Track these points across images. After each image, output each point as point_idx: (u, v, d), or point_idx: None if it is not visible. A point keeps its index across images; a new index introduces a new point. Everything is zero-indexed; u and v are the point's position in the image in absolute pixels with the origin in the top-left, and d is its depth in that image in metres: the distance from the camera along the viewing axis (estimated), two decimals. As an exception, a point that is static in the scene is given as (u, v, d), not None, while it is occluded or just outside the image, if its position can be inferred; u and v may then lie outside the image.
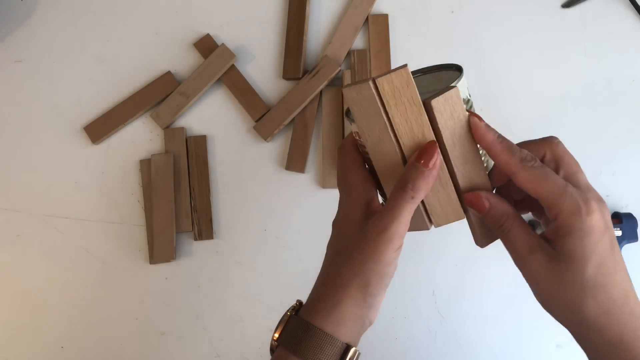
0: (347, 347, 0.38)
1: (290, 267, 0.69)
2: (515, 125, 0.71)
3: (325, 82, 0.68)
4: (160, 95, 0.69)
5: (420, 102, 0.38)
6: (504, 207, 0.40)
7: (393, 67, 0.70)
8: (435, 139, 0.39)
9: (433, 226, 0.43)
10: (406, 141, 0.39)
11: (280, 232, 0.69)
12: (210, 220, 0.68)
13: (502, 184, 0.42)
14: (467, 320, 0.69)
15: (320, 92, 0.69)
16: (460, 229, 0.70)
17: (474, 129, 0.39)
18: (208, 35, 0.70)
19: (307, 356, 0.37)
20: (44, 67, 0.70)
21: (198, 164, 0.69)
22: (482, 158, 0.41)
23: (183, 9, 0.71)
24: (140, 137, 0.69)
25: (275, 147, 0.70)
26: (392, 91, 0.38)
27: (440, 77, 0.44)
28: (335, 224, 0.43)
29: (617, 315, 0.37)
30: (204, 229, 0.68)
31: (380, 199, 0.44)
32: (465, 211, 0.42)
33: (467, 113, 0.39)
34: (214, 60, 0.69)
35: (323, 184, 0.69)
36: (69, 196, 0.68)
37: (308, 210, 0.69)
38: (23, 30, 0.70)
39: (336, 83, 0.70)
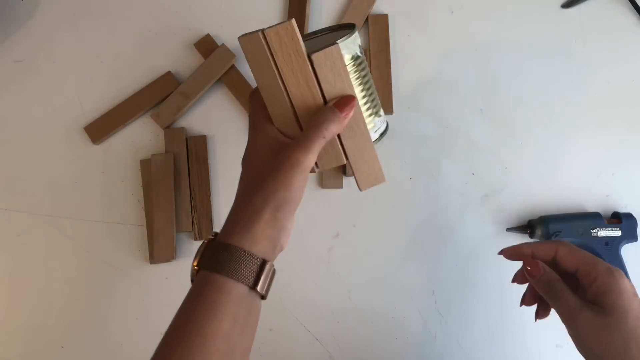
0: (264, 262, 0.42)
1: (290, 266, 0.69)
2: (515, 125, 0.71)
3: (325, 82, 0.68)
4: (161, 96, 0.69)
5: (305, 54, 0.43)
6: (554, 273, 0.50)
7: (393, 67, 0.70)
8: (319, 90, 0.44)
9: (319, 170, 0.49)
10: (293, 89, 0.44)
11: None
12: (211, 220, 0.68)
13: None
14: (467, 320, 0.69)
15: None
16: (461, 230, 0.70)
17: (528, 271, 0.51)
18: (208, 35, 0.70)
19: (229, 271, 0.40)
20: (44, 67, 0.70)
21: (198, 164, 0.69)
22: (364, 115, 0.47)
23: (183, 9, 0.71)
24: (140, 137, 0.70)
25: (275, 147, 0.70)
26: (279, 43, 0.42)
27: (338, 35, 0.47)
28: (245, 159, 0.47)
29: None
30: (204, 228, 0.68)
31: None
32: (346, 158, 0.48)
33: (346, 69, 0.44)
34: (214, 60, 0.69)
35: (322, 184, 0.69)
36: (69, 196, 0.68)
37: (307, 210, 0.69)
38: (23, 30, 0.70)
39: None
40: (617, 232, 0.65)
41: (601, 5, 0.73)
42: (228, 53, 0.69)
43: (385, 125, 0.51)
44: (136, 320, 0.67)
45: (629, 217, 0.67)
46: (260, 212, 0.42)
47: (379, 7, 0.72)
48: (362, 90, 0.47)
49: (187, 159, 0.69)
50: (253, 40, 0.42)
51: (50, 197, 0.68)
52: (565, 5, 0.73)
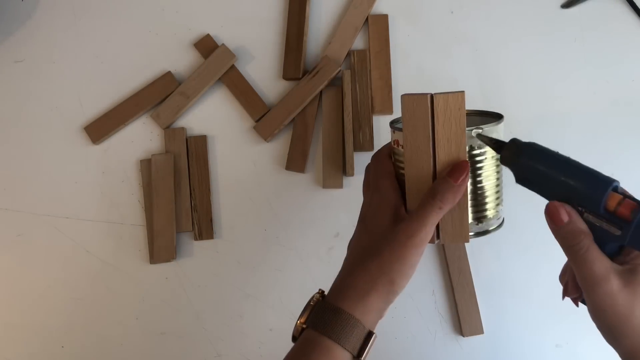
0: (370, 333, 0.42)
1: (290, 266, 0.69)
2: (515, 125, 0.71)
3: (325, 82, 0.68)
4: (161, 96, 0.69)
5: (465, 126, 0.44)
6: (582, 225, 0.41)
7: (393, 67, 0.70)
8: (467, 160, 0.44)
9: (438, 241, 0.47)
10: (442, 156, 0.44)
11: (280, 232, 0.69)
12: (211, 220, 0.68)
13: None
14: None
15: (320, 92, 0.69)
16: (460, 229, 0.70)
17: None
18: (208, 35, 0.70)
19: (337, 337, 0.40)
20: (44, 67, 0.70)
21: (198, 164, 0.69)
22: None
23: (183, 9, 0.71)
24: (140, 137, 0.70)
25: (275, 147, 0.70)
26: (445, 109, 0.43)
27: (482, 121, 0.49)
28: (364, 221, 0.47)
29: None
30: (204, 228, 0.68)
31: None
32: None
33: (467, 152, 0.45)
34: (214, 60, 0.69)
35: (323, 184, 0.69)
36: (69, 196, 0.68)
37: (308, 210, 0.69)
38: (23, 30, 0.70)
39: (336, 83, 0.70)
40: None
41: (601, 6, 0.73)
42: (228, 53, 0.69)
43: (503, 217, 0.51)
44: (136, 320, 0.67)
45: None
46: (375, 283, 0.42)
47: (379, 7, 0.72)
48: (497, 176, 0.48)
49: (187, 159, 0.69)
50: (420, 102, 0.44)
51: (50, 197, 0.68)
52: (565, 6, 0.73)
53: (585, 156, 0.71)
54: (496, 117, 0.50)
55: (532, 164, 0.44)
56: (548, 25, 0.73)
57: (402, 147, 0.45)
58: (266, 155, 0.70)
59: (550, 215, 0.42)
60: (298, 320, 0.43)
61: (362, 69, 0.70)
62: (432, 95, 0.43)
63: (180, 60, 0.70)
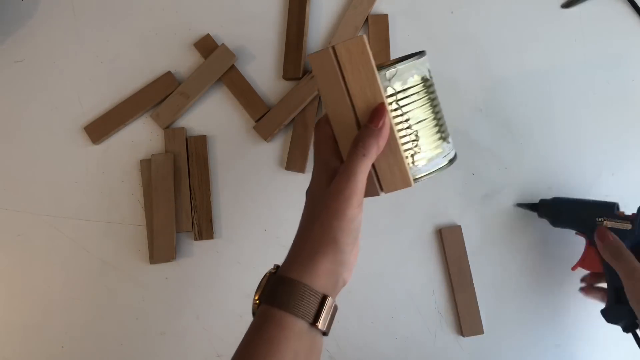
0: (324, 297, 0.41)
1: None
2: (515, 125, 0.71)
3: (325, 82, 0.68)
4: (161, 96, 0.69)
5: (374, 68, 0.42)
6: (619, 241, 0.59)
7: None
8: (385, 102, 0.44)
9: (383, 193, 0.46)
10: (360, 104, 0.43)
11: (280, 232, 0.69)
12: (210, 220, 0.68)
13: None
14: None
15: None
16: (461, 230, 0.70)
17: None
18: (208, 35, 0.70)
19: (290, 306, 0.40)
20: (44, 67, 0.70)
21: (198, 164, 0.69)
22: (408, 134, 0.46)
23: (183, 9, 0.71)
24: (140, 137, 0.70)
25: (275, 147, 0.70)
26: (349, 57, 0.42)
27: (407, 58, 0.48)
28: (308, 191, 0.47)
29: None
30: (204, 229, 0.68)
31: None
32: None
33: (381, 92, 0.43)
34: (214, 60, 0.69)
35: (323, 184, 0.69)
36: (69, 196, 0.68)
37: (308, 210, 0.69)
38: (23, 30, 0.70)
39: (336, 83, 0.70)
40: (628, 226, 0.65)
41: (601, 5, 0.73)
42: (228, 53, 0.69)
43: (453, 152, 0.50)
44: (136, 320, 0.67)
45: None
46: (320, 245, 0.42)
47: (379, 7, 0.72)
48: (432, 113, 0.47)
49: (187, 159, 0.68)
50: (323, 56, 0.43)
51: (50, 197, 0.68)
52: (565, 5, 0.73)
53: (585, 157, 0.71)
54: (420, 53, 0.48)
55: (561, 209, 0.65)
56: (548, 25, 0.73)
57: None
58: (266, 155, 0.70)
59: (601, 237, 0.59)
60: (254, 296, 0.43)
61: (362, 69, 0.70)
62: (333, 47, 0.42)
63: (180, 60, 0.70)
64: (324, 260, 0.41)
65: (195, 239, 0.68)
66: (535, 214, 0.68)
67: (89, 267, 0.68)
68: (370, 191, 0.46)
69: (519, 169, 0.71)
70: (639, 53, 0.73)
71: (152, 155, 0.68)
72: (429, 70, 0.48)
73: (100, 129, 0.68)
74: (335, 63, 0.42)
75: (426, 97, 0.46)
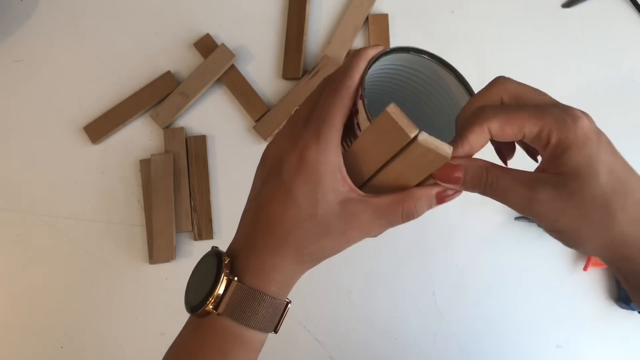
0: (287, 304, 0.38)
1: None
2: (516, 125, 0.71)
3: (325, 82, 0.68)
4: (160, 95, 0.69)
5: (420, 179, 0.35)
6: (477, 162, 0.35)
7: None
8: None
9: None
10: (381, 182, 0.37)
11: (280, 232, 0.69)
12: (210, 220, 0.68)
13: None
14: (467, 320, 0.69)
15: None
16: (461, 230, 0.70)
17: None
18: (208, 35, 0.70)
19: (262, 326, 0.36)
20: (44, 67, 0.70)
21: (198, 164, 0.69)
22: None
23: (183, 9, 0.71)
24: (140, 137, 0.69)
25: (275, 147, 0.70)
26: (416, 159, 0.33)
27: (442, 78, 0.42)
28: (294, 180, 0.36)
29: None
30: (204, 229, 0.68)
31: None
32: None
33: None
34: (214, 60, 0.69)
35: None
36: (69, 196, 0.68)
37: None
38: (23, 30, 0.70)
39: (336, 83, 0.70)
40: None
41: (602, 5, 0.73)
42: (228, 53, 0.69)
43: None
44: (136, 320, 0.67)
45: None
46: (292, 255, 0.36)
47: (379, 7, 0.72)
48: None
49: (186, 159, 0.68)
50: (394, 130, 0.32)
51: (50, 197, 0.68)
52: (565, 5, 0.73)
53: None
54: (458, 81, 0.42)
55: None
56: (549, 24, 0.73)
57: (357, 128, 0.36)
58: (266, 155, 0.70)
59: (447, 180, 0.36)
60: (211, 292, 0.35)
61: (362, 68, 0.70)
62: (416, 137, 0.32)
63: (179, 59, 0.70)
64: (297, 266, 0.37)
65: (195, 239, 0.68)
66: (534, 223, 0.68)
67: (88, 267, 0.68)
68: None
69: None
70: (639, 53, 0.73)
71: (152, 155, 0.68)
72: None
73: (99, 128, 0.68)
74: (399, 147, 0.33)
75: None
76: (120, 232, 0.68)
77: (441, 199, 0.37)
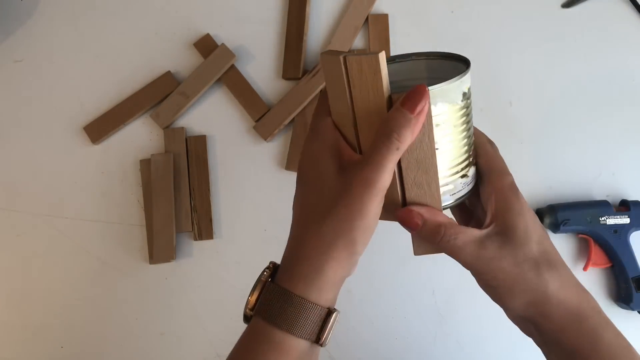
0: (329, 312, 0.36)
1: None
2: (516, 125, 0.71)
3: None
4: (160, 95, 0.69)
5: (384, 93, 0.35)
6: (438, 218, 0.39)
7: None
8: None
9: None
10: (363, 125, 0.37)
11: (280, 232, 0.69)
12: (210, 220, 0.68)
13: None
14: (467, 320, 0.69)
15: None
16: (460, 229, 0.70)
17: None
18: (208, 35, 0.70)
19: (293, 328, 0.35)
20: (44, 67, 0.70)
21: (198, 164, 0.69)
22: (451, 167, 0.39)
23: (183, 9, 0.71)
24: (140, 137, 0.69)
25: (275, 147, 0.70)
26: (360, 74, 0.35)
27: (440, 68, 0.42)
28: (303, 176, 0.40)
29: (569, 287, 0.39)
30: (204, 229, 0.68)
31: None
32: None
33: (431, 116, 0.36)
34: (214, 60, 0.69)
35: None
36: (69, 196, 0.68)
37: (308, 210, 0.69)
38: (23, 30, 0.70)
39: (336, 83, 0.70)
40: (626, 220, 0.66)
41: (601, 5, 0.73)
42: (228, 53, 0.69)
43: (472, 185, 0.41)
44: (136, 320, 0.67)
45: (637, 204, 0.67)
46: (332, 250, 0.35)
47: (379, 7, 0.72)
48: (465, 144, 0.39)
49: (186, 159, 0.68)
50: (333, 63, 0.36)
51: (50, 197, 0.68)
52: (565, 5, 0.73)
53: (585, 156, 0.71)
54: (463, 63, 0.42)
55: (560, 215, 0.65)
56: (548, 25, 0.73)
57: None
58: (266, 155, 0.70)
59: (406, 223, 0.39)
60: (249, 297, 0.37)
61: (362, 68, 0.70)
62: (345, 57, 0.35)
63: (179, 60, 0.70)
64: (337, 268, 0.35)
65: (195, 239, 0.68)
66: None
67: (89, 267, 0.68)
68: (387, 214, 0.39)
69: (519, 169, 0.71)
70: (639, 53, 0.73)
71: (152, 155, 0.68)
72: (464, 95, 0.39)
73: (100, 128, 0.68)
74: (344, 75, 0.36)
75: (461, 122, 0.39)
76: (120, 232, 0.68)
77: (412, 108, 0.36)
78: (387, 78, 0.35)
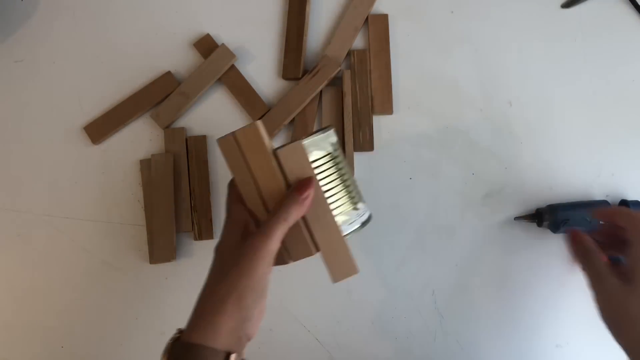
0: (228, 354, 0.42)
1: (289, 267, 0.69)
2: (515, 125, 0.71)
3: (325, 82, 0.68)
4: (160, 95, 0.69)
5: (269, 152, 0.46)
6: (592, 242, 0.57)
7: (393, 67, 0.70)
8: (284, 184, 0.47)
9: (292, 261, 0.50)
10: (262, 182, 0.47)
11: (280, 232, 0.69)
12: (210, 220, 0.68)
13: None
14: (467, 320, 0.69)
15: (320, 92, 0.69)
16: (461, 230, 0.70)
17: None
18: (208, 35, 0.70)
19: None
20: (44, 67, 0.70)
21: (198, 164, 0.69)
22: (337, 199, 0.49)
23: (183, 9, 0.71)
24: (140, 137, 0.70)
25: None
26: (247, 143, 0.46)
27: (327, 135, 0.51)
28: (217, 248, 0.48)
29: None
30: (204, 228, 0.68)
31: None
32: (317, 249, 0.49)
33: (311, 166, 0.47)
34: (214, 60, 0.69)
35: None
36: (69, 196, 0.68)
37: (308, 210, 0.69)
38: (23, 30, 0.70)
39: (336, 83, 0.70)
40: None
41: (601, 5, 0.73)
42: (228, 53, 0.69)
43: (367, 215, 0.53)
44: (136, 320, 0.67)
45: (637, 204, 0.67)
46: (223, 303, 0.42)
47: (379, 7, 0.72)
48: (337, 186, 0.49)
49: (187, 159, 0.68)
50: (227, 141, 0.47)
51: (50, 197, 0.68)
52: (565, 5, 0.73)
53: (585, 157, 0.71)
54: (325, 128, 0.51)
55: (560, 214, 0.66)
56: (548, 25, 0.73)
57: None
58: (266, 155, 0.70)
59: (573, 238, 0.59)
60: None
61: (362, 68, 0.70)
62: (233, 133, 0.46)
63: (180, 60, 0.70)
64: (227, 319, 0.42)
65: (195, 239, 0.68)
66: (534, 222, 0.69)
67: (89, 267, 0.68)
68: (299, 253, 0.49)
69: (519, 169, 0.71)
70: (639, 53, 0.73)
71: (152, 155, 0.68)
72: (332, 144, 0.50)
73: (100, 129, 0.68)
74: (237, 147, 0.47)
75: (329, 172, 0.49)
76: (121, 232, 0.68)
77: (301, 192, 0.46)
78: (268, 138, 0.47)
